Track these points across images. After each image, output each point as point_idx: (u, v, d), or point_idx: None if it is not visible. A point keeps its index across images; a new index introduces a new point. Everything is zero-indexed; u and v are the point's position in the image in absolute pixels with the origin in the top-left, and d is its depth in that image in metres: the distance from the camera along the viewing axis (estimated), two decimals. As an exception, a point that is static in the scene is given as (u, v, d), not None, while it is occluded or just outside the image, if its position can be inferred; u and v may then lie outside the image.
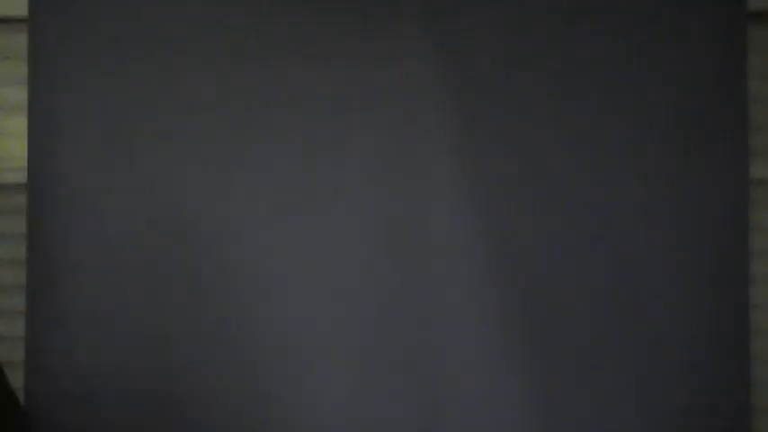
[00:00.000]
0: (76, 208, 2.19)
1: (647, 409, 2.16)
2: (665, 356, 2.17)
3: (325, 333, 2.17)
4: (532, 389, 2.17)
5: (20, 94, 2.28)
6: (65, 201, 2.19)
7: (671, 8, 2.21)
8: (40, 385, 2.17)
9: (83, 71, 2.20)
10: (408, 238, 2.16)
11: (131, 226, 2.18)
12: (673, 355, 2.17)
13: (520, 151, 2.19)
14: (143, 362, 2.17)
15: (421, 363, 2.15)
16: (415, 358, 2.15)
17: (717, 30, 2.20)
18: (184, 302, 2.17)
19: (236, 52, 2.20)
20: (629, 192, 2.19)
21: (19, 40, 2.28)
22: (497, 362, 2.17)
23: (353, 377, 2.14)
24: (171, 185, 2.19)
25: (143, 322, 2.17)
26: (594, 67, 2.20)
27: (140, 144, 2.20)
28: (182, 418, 2.17)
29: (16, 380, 2.24)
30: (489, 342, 2.16)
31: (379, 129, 2.20)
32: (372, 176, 2.19)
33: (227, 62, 2.20)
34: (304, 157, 2.19)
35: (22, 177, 2.27)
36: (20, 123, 2.28)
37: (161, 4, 2.21)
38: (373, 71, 2.20)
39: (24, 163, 2.27)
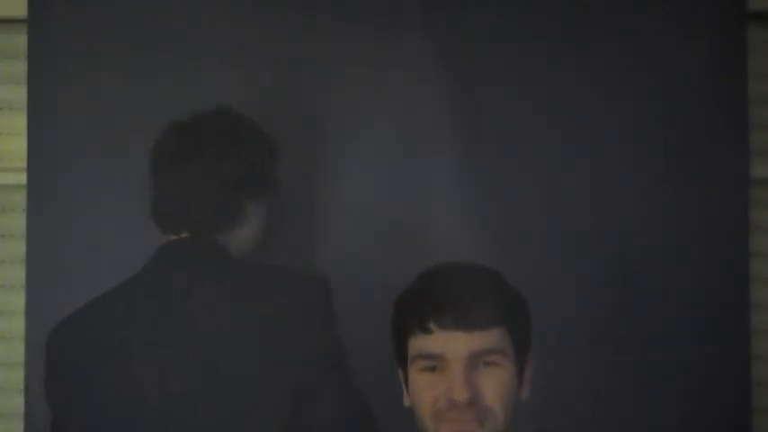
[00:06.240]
0: (76, 208, 2.19)
1: (646, 409, 2.17)
2: (665, 356, 2.17)
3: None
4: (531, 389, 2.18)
5: (19, 94, 2.28)
6: (65, 201, 2.19)
7: (670, 8, 2.21)
8: (40, 385, 2.16)
9: (83, 71, 2.20)
10: (408, 240, 2.16)
11: (131, 226, 2.18)
12: (673, 355, 2.17)
13: (520, 151, 2.19)
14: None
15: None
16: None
17: (716, 30, 2.20)
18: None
19: (236, 53, 2.20)
20: (628, 192, 2.19)
21: (19, 41, 2.28)
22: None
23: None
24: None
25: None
26: (594, 67, 2.20)
27: (140, 144, 2.20)
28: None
29: (16, 380, 2.25)
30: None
31: (378, 129, 2.20)
32: (372, 177, 2.19)
33: (226, 63, 2.20)
34: (303, 158, 2.19)
35: (21, 177, 2.26)
36: (19, 123, 2.28)
37: (162, 4, 2.21)
38: (373, 71, 2.20)
39: (24, 163, 2.26)
